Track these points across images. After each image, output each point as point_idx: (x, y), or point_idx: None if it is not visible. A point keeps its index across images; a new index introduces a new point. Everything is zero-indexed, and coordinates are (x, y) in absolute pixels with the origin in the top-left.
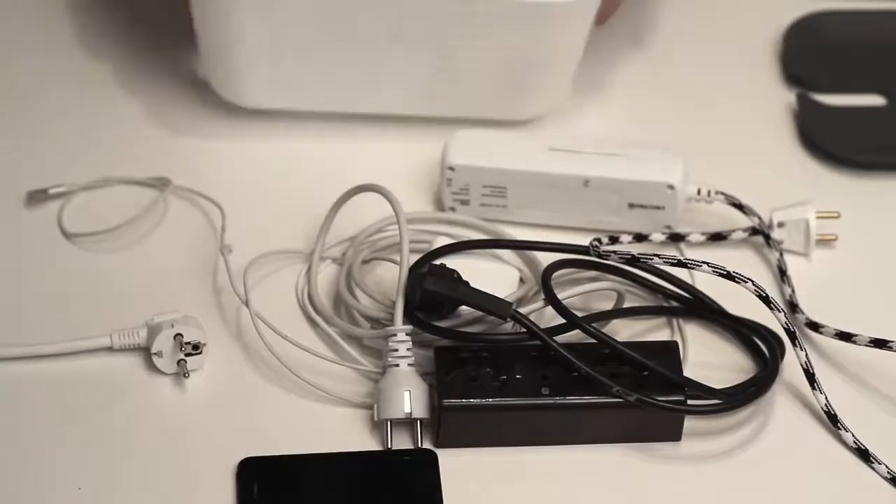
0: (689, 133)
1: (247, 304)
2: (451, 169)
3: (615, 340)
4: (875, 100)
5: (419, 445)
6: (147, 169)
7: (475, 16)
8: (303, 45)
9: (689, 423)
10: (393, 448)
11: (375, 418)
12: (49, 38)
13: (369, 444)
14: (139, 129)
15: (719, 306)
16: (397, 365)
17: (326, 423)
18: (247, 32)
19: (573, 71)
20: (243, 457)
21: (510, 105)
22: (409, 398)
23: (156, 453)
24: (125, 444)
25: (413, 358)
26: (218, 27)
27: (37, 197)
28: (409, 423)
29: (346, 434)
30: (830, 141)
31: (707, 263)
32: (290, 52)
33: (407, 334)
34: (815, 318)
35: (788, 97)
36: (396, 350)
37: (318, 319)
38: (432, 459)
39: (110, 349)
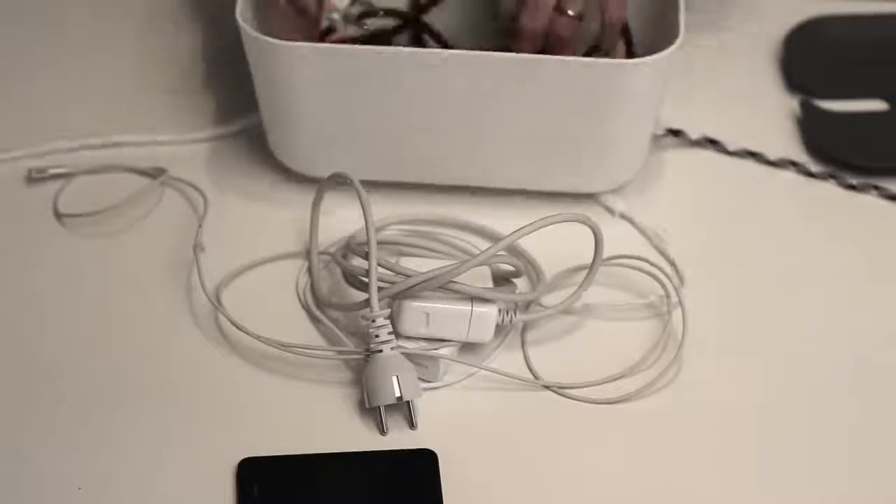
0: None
1: (216, 305)
2: None
3: None
4: (877, 105)
5: (414, 426)
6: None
7: (546, 87)
8: (363, 128)
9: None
10: (387, 429)
11: (367, 405)
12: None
13: (369, 442)
14: (144, 124)
15: None
16: (381, 350)
17: (326, 422)
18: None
19: (647, 143)
20: (243, 457)
21: (582, 178)
22: (398, 382)
23: (156, 453)
24: (125, 443)
25: (395, 341)
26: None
27: (37, 175)
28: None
29: (346, 433)
30: (834, 147)
31: None
32: (352, 134)
33: (386, 318)
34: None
35: (791, 103)
36: (378, 336)
37: (319, 314)
38: (432, 459)
39: None
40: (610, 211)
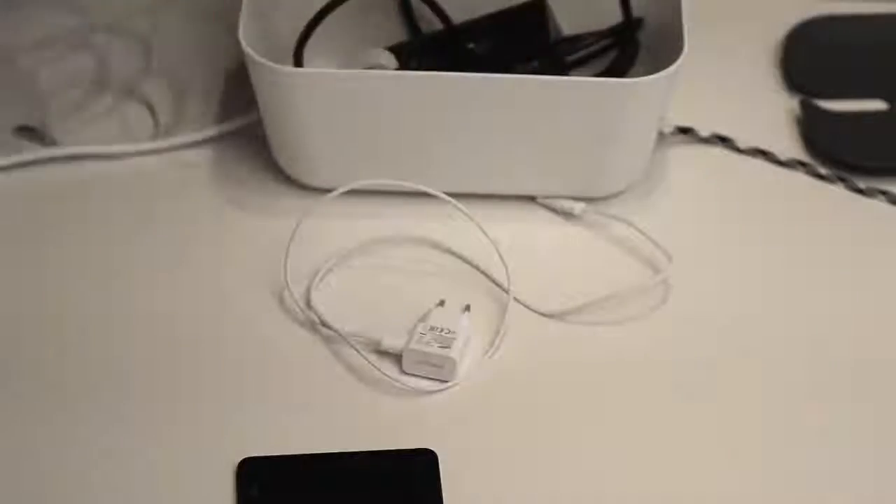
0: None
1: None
2: None
3: None
4: (877, 104)
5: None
6: None
7: (554, 100)
8: (369, 144)
9: None
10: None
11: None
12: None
13: (369, 442)
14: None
15: None
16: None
17: (326, 422)
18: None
19: (650, 149)
20: (243, 457)
21: (586, 183)
22: None
23: (156, 453)
24: (125, 444)
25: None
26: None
27: None
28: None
29: (346, 433)
30: (834, 146)
31: None
32: (357, 149)
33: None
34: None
35: (791, 103)
36: None
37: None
38: (432, 459)
39: None
40: (569, 212)
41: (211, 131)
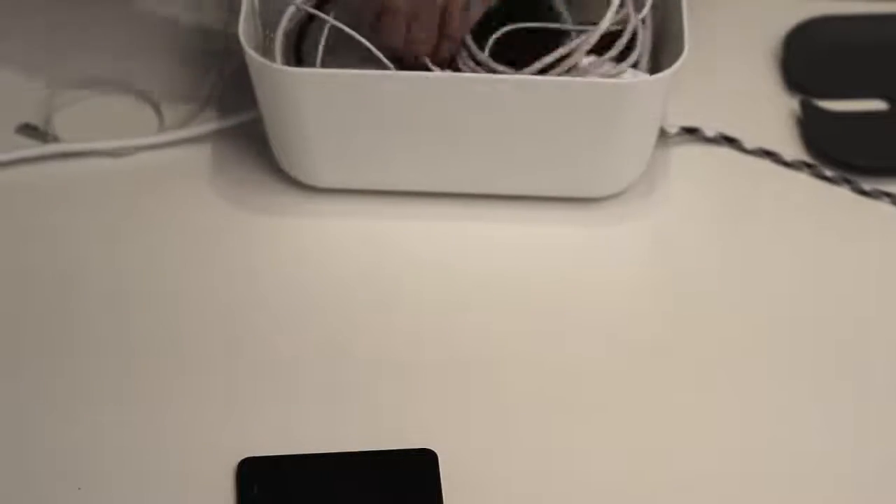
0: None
1: None
2: None
3: None
4: (877, 104)
5: None
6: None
7: (554, 99)
8: (370, 144)
9: None
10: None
11: None
12: None
13: (369, 442)
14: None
15: None
16: None
17: (326, 422)
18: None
19: (650, 150)
20: (243, 457)
21: (586, 184)
22: None
23: (156, 453)
24: (125, 444)
25: None
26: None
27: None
28: None
29: (346, 433)
30: (835, 147)
31: None
32: (358, 149)
33: None
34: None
35: (791, 103)
36: None
37: None
38: (432, 459)
39: None
40: None
41: (212, 130)
